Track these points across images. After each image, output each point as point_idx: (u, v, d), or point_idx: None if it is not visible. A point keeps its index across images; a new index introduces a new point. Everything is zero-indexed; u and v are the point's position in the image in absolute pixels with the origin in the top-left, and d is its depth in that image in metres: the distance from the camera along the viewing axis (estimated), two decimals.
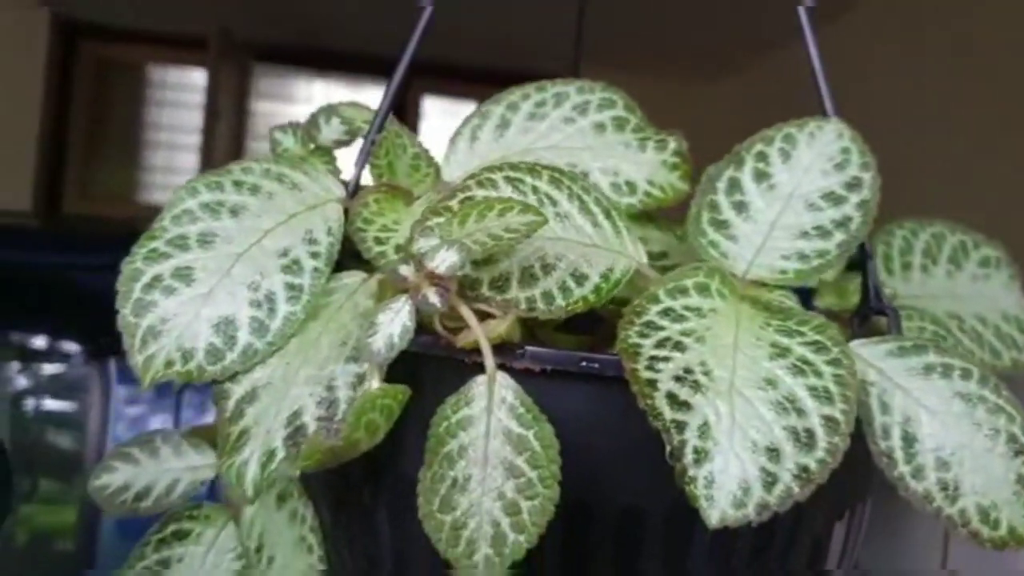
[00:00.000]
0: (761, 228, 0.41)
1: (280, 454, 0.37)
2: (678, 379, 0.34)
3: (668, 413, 0.33)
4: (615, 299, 0.43)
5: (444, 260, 0.35)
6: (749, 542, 0.39)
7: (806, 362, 0.35)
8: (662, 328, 0.36)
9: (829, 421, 0.34)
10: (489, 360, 0.35)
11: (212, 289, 0.40)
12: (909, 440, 0.38)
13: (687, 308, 0.37)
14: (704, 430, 0.33)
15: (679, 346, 0.36)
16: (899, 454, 0.38)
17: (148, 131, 3.50)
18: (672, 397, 0.34)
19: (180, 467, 0.51)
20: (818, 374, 0.35)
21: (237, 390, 0.39)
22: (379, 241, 0.42)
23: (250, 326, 0.39)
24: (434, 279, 0.35)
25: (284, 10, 3.05)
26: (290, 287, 0.40)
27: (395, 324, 0.35)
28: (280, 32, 3.33)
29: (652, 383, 0.34)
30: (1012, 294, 0.56)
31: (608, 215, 0.40)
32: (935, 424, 0.38)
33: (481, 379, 0.35)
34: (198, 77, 3.33)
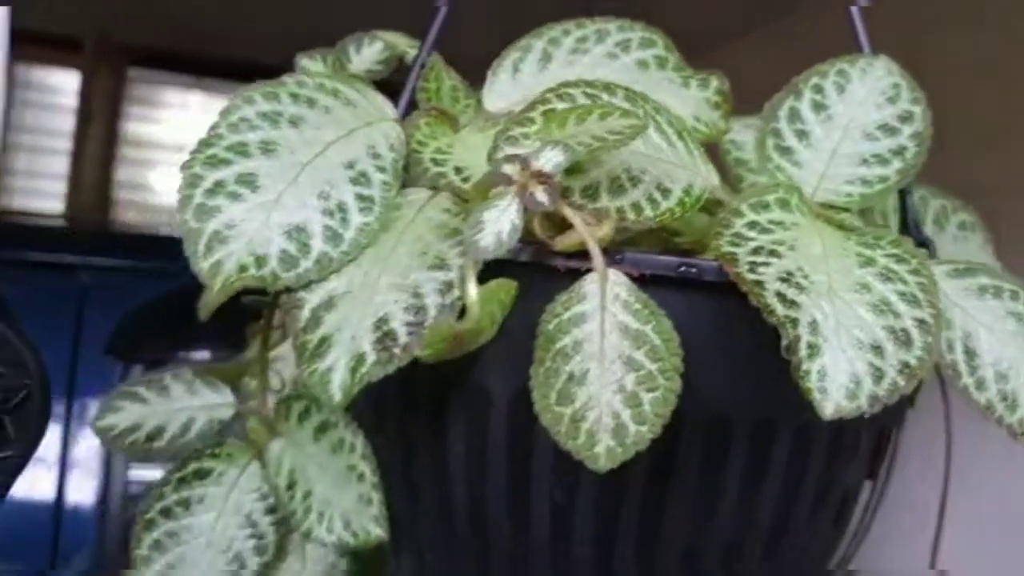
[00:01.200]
0: (823, 156, 0.42)
1: (371, 358, 0.36)
2: (783, 280, 0.35)
3: (780, 310, 0.34)
4: None
5: (550, 159, 0.35)
6: (823, 454, 0.40)
7: (891, 270, 0.37)
8: (752, 239, 0.37)
9: (920, 323, 0.35)
10: (598, 258, 0.35)
11: (280, 196, 0.38)
12: (970, 354, 0.39)
13: (771, 222, 0.38)
14: (814, 327, 0.34)
15: (774, 253, 0.36)
16: (963, 367, 0.39)
17: (13, 133, 3.32)
18: (781, 296, 0.34)
19: (195, 406, 0.49)
20: (903, 281, 0.36)
21: (312, 299, 0.38)
22: (436, 162, 0.42)
23: (323, 235, 0.38)
24: (540, 178, 0.35)
25: (163, 15, 2.96)
26: (361, 198, 0.39)
27: (503, 221, 0.34)
28: (158, 37, 3.22)
29: (760, 283, 0.35)
30: (987, 256, 0.59)
31: (680, 136, 0.41)
32: (992, 340, 0.40)
33: (592, 277, 0.35)
34: (70, 79, 3.19)
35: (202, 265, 0.37)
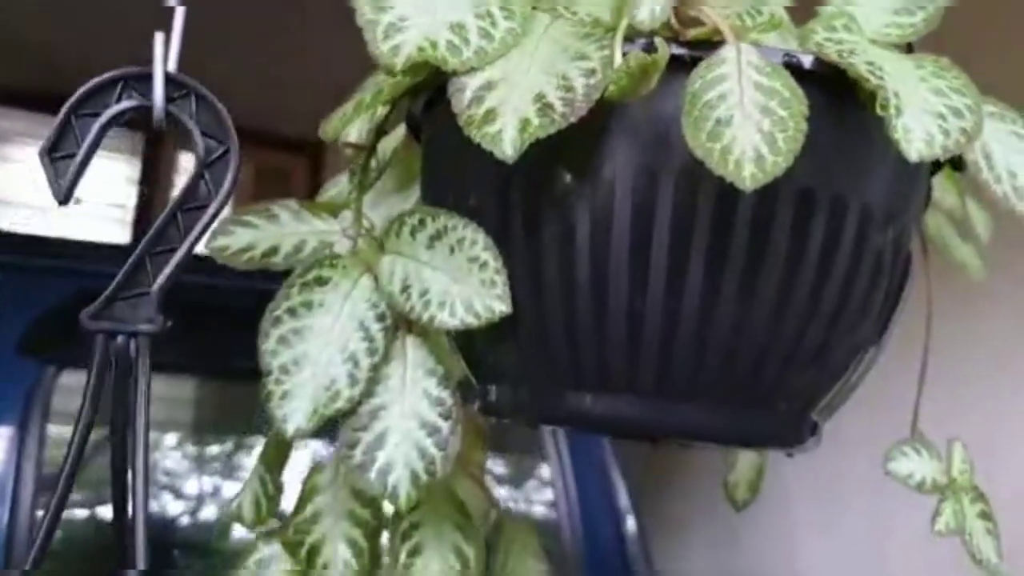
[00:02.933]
0: (865, 7, 0.51)
1: (535, 121, 0.42)
2: (868, 64, 0.44)
3: (873, 80, 0.43)
4: None
5: None
6: (878, 238, 0.48)
7: (940, 73, 0.46)
8: (831, 44, 0.46)
9: (968, 106, 0.45)
10: (730, 34, 0.42)
11: (438, 1, 0.45)
12: (988, 156, 0.49)
13: (842, 39, 0.47)
14: (896, 95, 0.43)
15: (853, 52, 0.45)
16: (983, 164, 0.49)
17: None
18: (872, 73, 0.43)
19: (304, 230, 0.54)
20: (950, 80, 0.46)
21: (473, 83, 0.44)
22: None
23: (478, 32, 0.45)
24: None
25: (24, 52, 2.92)
26: (504, 8, 0.46)
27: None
28: (17, 74, 3.16)
29: (853, 64, 0.43)
30: None
31: None
32: (1002, 149, 0.50)
33: (727, 48, 0.42)
34: None
35: (381, 48, 0.43)
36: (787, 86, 0.42)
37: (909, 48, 0.54)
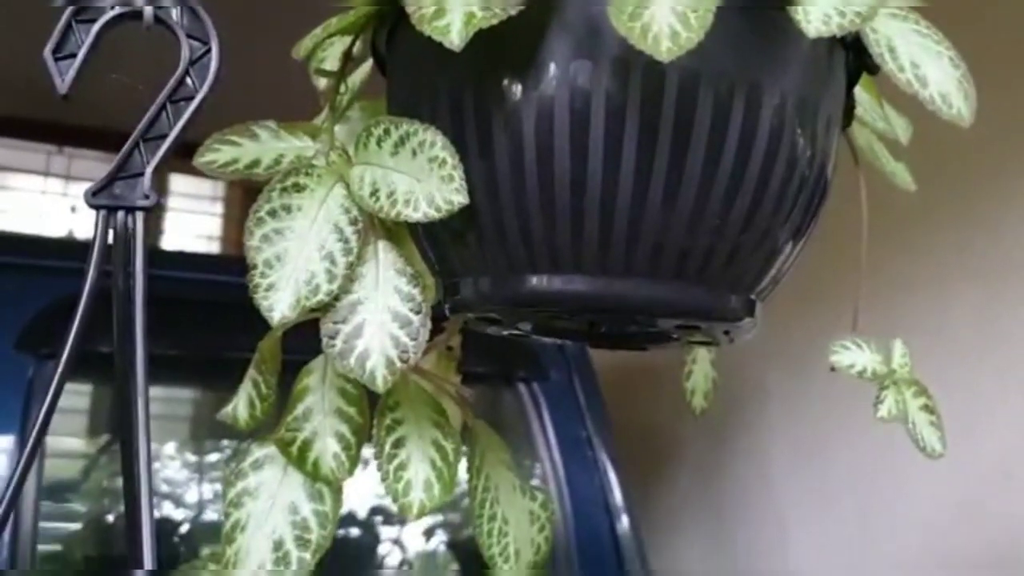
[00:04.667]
0: None
1: (479, 14, 0.48)
2: None
3: None
4: None
5: None
6: (792, 128, 0.54)
7: None
8: None
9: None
10: None
11: None
12: (892, 50, 0.55)
13: None
14: None
15: None
16: (887, 57, 0.54)
17: None
18: None
19: (283, 146, 0.59)
20: None
21: None
22: None
23: None
24: None
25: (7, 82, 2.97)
26: None
27: None
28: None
29: None
30: None
31: None
32: (903, 43, 0.55)
33: None
34: None
35: None
36: None
37: None
